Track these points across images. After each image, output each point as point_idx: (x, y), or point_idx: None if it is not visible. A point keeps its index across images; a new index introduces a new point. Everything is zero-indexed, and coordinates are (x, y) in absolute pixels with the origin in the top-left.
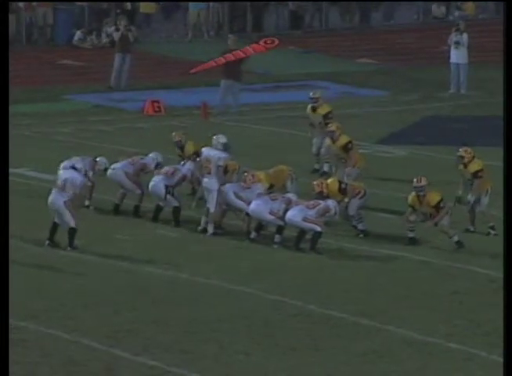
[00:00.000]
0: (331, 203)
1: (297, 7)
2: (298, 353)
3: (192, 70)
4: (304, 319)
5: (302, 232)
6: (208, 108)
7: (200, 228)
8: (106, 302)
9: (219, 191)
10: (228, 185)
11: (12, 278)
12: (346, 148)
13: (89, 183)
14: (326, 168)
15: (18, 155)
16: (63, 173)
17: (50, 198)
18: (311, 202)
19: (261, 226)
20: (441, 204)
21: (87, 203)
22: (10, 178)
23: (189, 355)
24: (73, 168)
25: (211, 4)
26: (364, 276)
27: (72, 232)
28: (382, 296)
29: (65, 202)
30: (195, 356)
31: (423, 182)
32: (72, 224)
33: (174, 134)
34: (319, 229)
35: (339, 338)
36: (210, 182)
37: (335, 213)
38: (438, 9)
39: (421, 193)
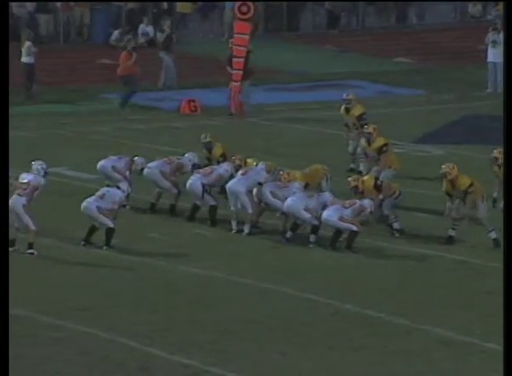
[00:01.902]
0: (367, 202)
1: (334, 7)
2: (334, 353)
3: (233, 112)
4: (340, 318)
5: (338, 231)
6: (244, 107)
7: (233, 232)
8: (142, 301)
9: (247, 192)
10: (264, 184)
11: (49, 277)
12: (381, 150)
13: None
14: (361, 167)
15: (55, 154)
16: (105, 187)
17: (83, 204)
18: (347, 201)
19: (297, 226)
20: (470, 189)
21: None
22: (48, 177)
23: (225, 354)
24: (117, 186)
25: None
26: (400, 275)
27: (110, 231)
28: (418, 295)
29: (97, 207)
30: (230, 355)
31: (447, 169)
32: (110, 224)
33: (204, 135)
34: (355, 228)
35: (375, 337)
36: (234, 184)
37: (370, 212)
38: (474, 8)
39: (448, 178)
